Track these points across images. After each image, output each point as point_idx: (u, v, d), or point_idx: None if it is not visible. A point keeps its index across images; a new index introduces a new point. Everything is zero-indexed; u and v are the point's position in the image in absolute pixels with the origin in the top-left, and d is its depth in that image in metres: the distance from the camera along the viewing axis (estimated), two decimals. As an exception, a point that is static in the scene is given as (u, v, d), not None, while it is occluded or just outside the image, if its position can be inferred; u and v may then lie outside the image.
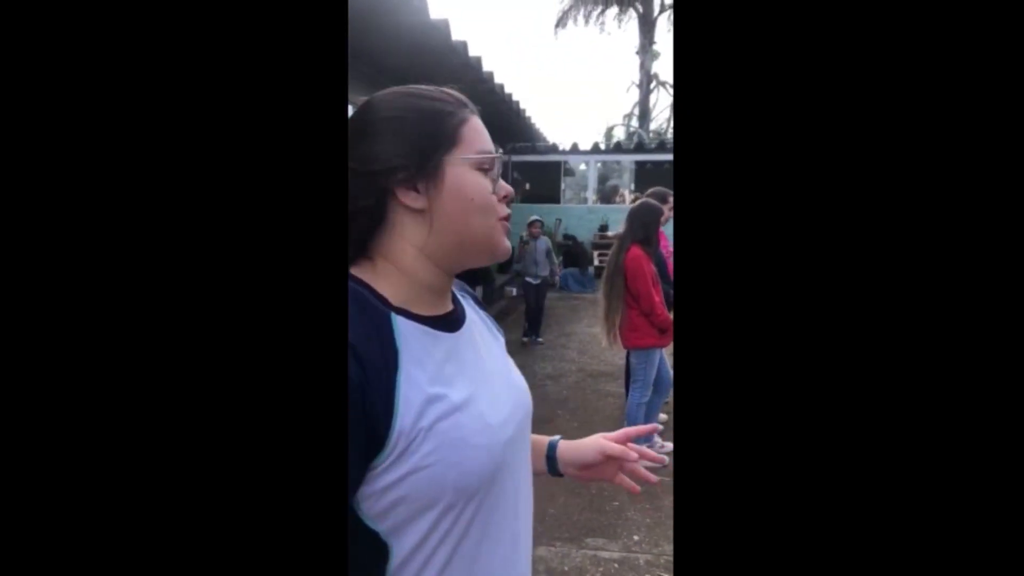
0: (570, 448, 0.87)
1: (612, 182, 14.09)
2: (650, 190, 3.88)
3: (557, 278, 6.76)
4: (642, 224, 3.34)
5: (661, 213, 3.45)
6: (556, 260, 6.69)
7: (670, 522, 2.80)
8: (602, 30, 19.69)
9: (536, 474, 0.81)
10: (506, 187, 0.68)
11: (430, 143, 0.64)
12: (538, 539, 2.64)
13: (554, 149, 12.09)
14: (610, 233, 11.49)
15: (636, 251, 3.26)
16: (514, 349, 5.91)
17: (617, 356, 5.68)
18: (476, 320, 0.76)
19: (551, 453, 0.86)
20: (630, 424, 3.39)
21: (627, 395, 3.59)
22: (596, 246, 10.62)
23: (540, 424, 4.00)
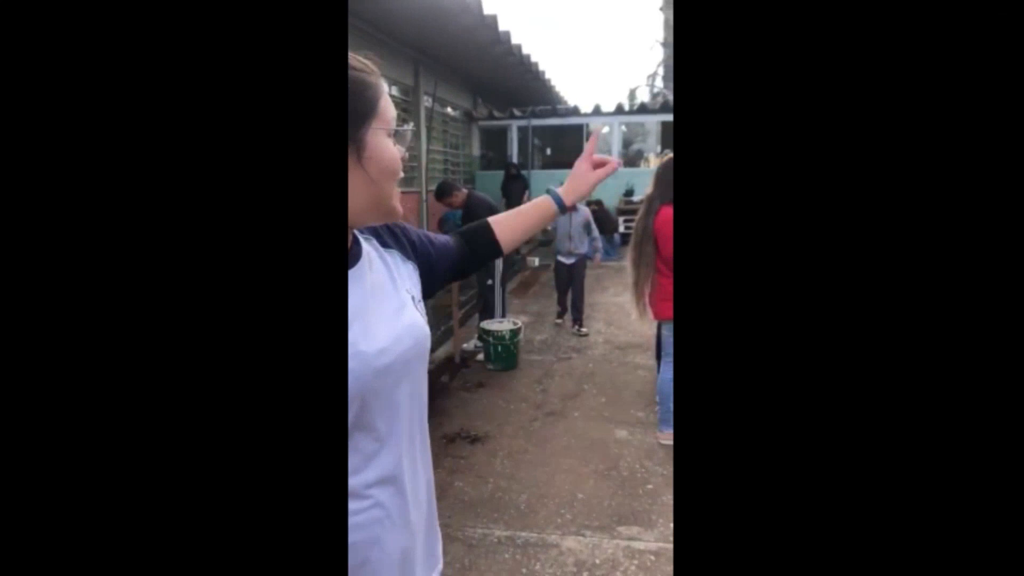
0: (568, 187, 1.04)
1: (636, 146, 13.63)
2: (670, 149, 3.57)
3: (599, 255, 5.34)
4: (670, 183, 3.04)
5: None
6: (597, 234, 5.21)
7: (709, 508, 2.59)
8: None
9: (549, 220, 1.07)
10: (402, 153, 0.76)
11: (356, 116, 0.68)
12: (566, 528, 2.45)
13: (575, 112, 11.68)
14: (635, 198, 11.15)
15: (667, 213, 2.98)
16: (538, 324, 5.69)
17: (646, 327, 5.44)
18: (375, 260, 0.82)
19: (558, 201, 1.04)
20: (663, 400, 3.17)
21: (658, 368, 3.35)
22: (621, 212, 10.28)
23: (567, 400, 3.81)
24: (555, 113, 11.38)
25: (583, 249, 5.11)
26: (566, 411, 3.64)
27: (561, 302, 5.43)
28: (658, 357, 3.57)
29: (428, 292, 0.94)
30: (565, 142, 11.92)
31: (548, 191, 1.04)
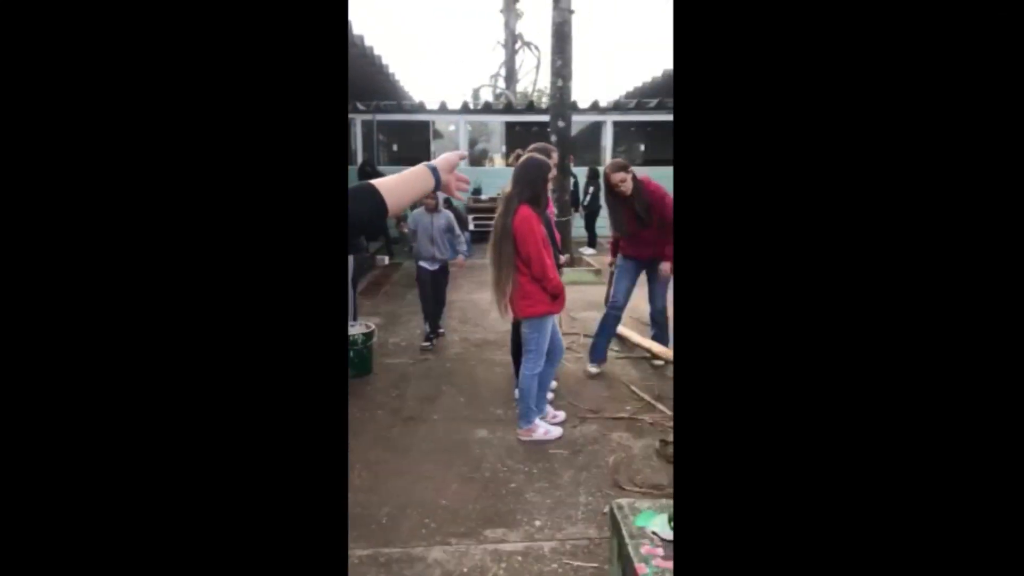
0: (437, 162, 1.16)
1: (481, 145, 13.78)
2: (533, 145, 3.62)
3: (462, 257, 4.93)
4: (529, 182, 3.05)
5: (549, 169, 3.18)
6: (460, 232, 4.78)
7: (572, 500, 2.64)
8: (465, -14, 18.90)
9: (428, 188, 1.14)
10: None
11: None
12: (431, 538, 2.36)
13: (421, 108, 11.53)
14: (483, 196, 11.27)
15: (525, 211, 2.99)
16: (392, 326, 5.50)
17: (501, 323, 5.49)
18: None
19: (434, 172, 1.14)
20: (522, 396, 3.18)
21: (516, 365, 3.37)
22: (471, 210, 10.33)
23: (425, 403, 3.71)
24: (400, 109, 11.14)
25: (446, 254, 4.74)
26: (425, 415, 3.53)
27: (429, 317, 4.82)
28: (515, 354, 3.59)
29: None
30: (411, 138, 11.72)
31: (426, 164, 1.15)
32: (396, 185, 1.08)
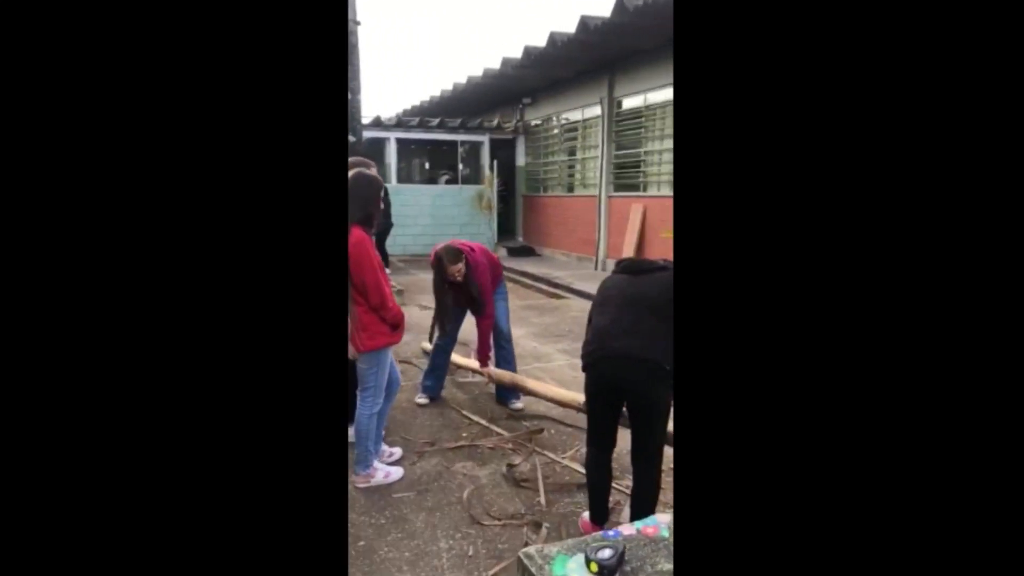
0: None
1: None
2: (351, 159, 3.28)
3: None
4: (361, 201, 2.72)
5: (381, 185, 2.90)
6: None
7: (432, 548, 2.41)
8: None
9: None
10: None
11: None
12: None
13: None
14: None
15: (358, 234, 2.67)
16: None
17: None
18: None
19: None
20: (361, 440, 2.84)
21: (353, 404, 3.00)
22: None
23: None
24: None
25: None
26: (235, 474, 3.00)
27: None
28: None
29: None
30: None
31: None
32: None
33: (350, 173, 2.87)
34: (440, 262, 3.57)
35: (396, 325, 2.79)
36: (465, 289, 3.63)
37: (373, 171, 3.34)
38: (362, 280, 2.63)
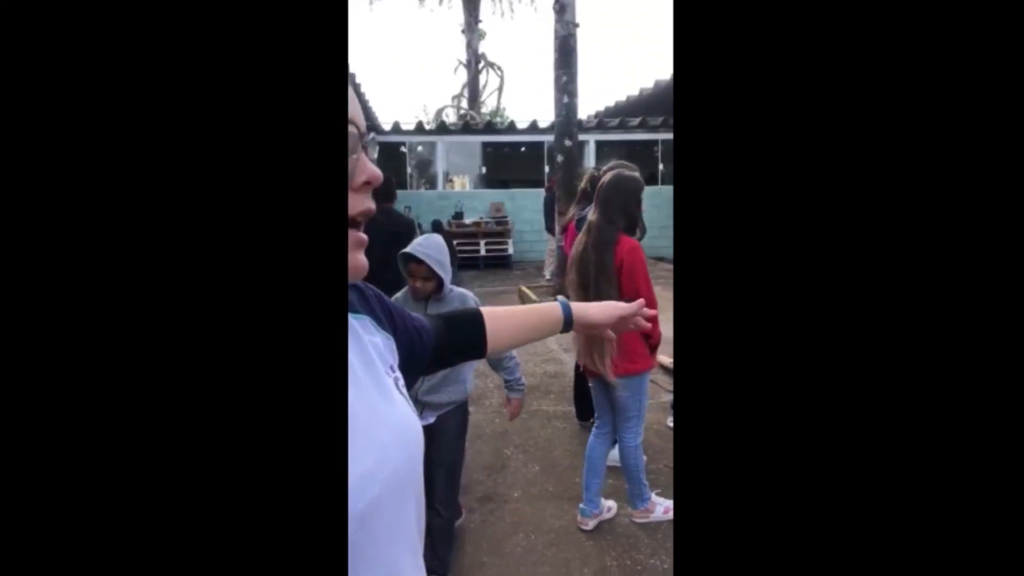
0: (582, 311, 0.91)
1: (444, 167, 13.21)
2: (613, 163, 3.00)
3: (517, 398, 2.44)
4: (623, 206, 2.44)
5: (642, 188, 2.61)
6: (512, 358, 2.40)
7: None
8: (421, 4, 18.41)
9: (550, 334, 0.90)
10: (370, 170, 0.53)
11: None
12: None
13: (397, 129, 10.92)
14: (467, 220, 10.71)
15: (629, 242, 2.41)
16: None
17: (537, 363, 4.89)
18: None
19: (567, 315, 0.90)
20: (632, 474, 2.58)
21: (616, 433, 2.72)
22: (452, 235, 9.74)
23: (492, 471, 3.06)
24: (375, 130, 10.51)
25: (456, 393, 2.31)
26: (501, 491, 2.91)
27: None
28: (578, 404, 2.99)
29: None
30: (385, 162, 11.07)
31: (558, 299, 0.94)
32: (510, 320, 0.86)
33: (607, 176, 2.59)
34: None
35: (656, 347, 2.48)
36: None
37: (637, 174, 3.08)
38: (636, 292, 2.33)
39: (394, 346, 0.69)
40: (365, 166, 0.54)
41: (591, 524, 2.58)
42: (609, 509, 2.68)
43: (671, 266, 8.66)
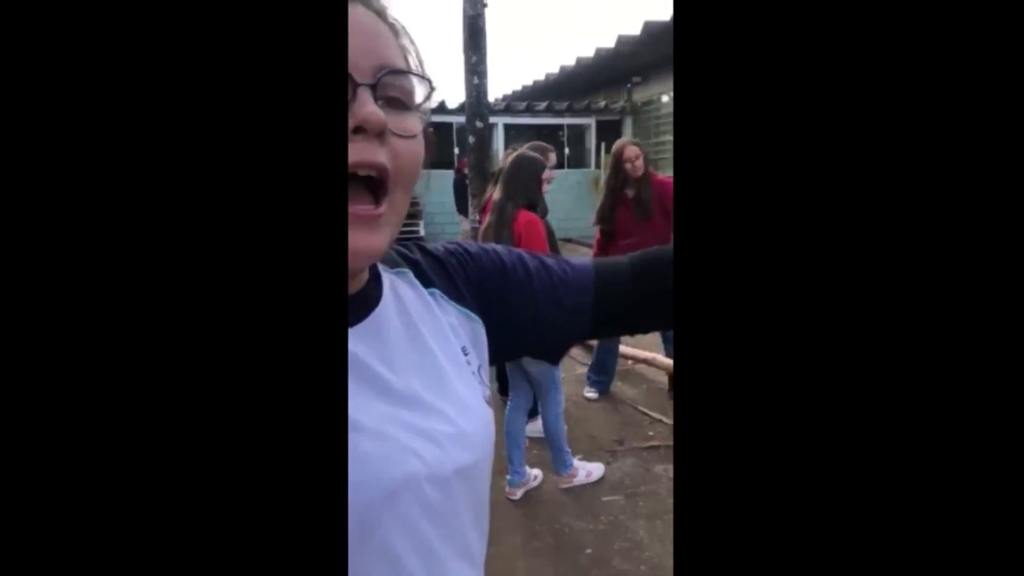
0: None
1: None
2: (529, 144, 3.19)
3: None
4: (523, 184, 2.62)
5: (543, 167, 2.76)
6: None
7: (670, 564, 2.23)
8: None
9: None
10: (365, 111, 0.44)
11: None
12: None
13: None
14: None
15: (527, 216, 2.55)
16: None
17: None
18: (401, 306, 0.53)
19: None
20: (555, 440, 2.69)
21: (533, 405, 2.82)
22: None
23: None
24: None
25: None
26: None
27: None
28: (502, 389, 3.07)
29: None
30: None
31: None
32: None
33: (510, 157, 2.78)
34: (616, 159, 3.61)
35: None
36: (633, 196, 3.56)
37: (551, 157, 3.20)
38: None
39: (475, 326, 0.60)
40: (356, 108, 0.46)
41: (519, 494, 2.66)
42: (536, 478, 2.78)
43: (577, 247, 8.91)
